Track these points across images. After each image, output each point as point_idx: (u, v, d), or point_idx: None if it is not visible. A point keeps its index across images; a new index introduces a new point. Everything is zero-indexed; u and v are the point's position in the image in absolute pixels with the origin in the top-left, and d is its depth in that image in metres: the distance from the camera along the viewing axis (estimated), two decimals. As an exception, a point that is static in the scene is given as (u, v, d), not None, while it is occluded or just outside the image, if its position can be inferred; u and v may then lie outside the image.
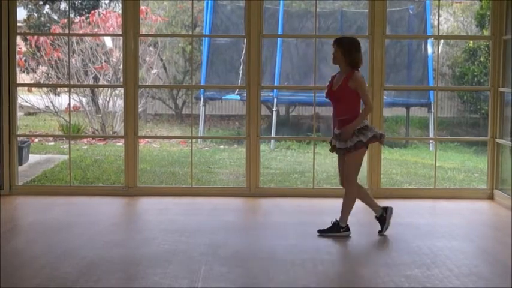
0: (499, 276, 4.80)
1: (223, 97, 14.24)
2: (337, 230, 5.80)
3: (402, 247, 5.45)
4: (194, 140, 12.27)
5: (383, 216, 5.89)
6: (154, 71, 13.87)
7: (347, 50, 5.71)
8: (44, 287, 4.40)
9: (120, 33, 7.56)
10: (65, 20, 13.58)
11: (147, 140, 12.83)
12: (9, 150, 7.38)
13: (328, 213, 6.67)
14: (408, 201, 7.28)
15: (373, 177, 7.43)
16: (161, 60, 14.87)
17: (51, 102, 13.35)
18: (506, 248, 5.40)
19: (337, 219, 5.82)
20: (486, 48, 13.36)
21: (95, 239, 5.65)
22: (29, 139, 11.01)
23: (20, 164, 8.92)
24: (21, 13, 15.23)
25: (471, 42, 14.31)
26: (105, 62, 13.04)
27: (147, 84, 13.22)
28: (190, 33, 14.91)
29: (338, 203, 6.64)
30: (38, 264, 4.88)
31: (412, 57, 14.09)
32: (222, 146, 12.60)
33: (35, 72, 13.93)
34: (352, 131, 5.63)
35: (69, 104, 9.92)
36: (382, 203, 7.19)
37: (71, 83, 11.79)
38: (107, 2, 15.62)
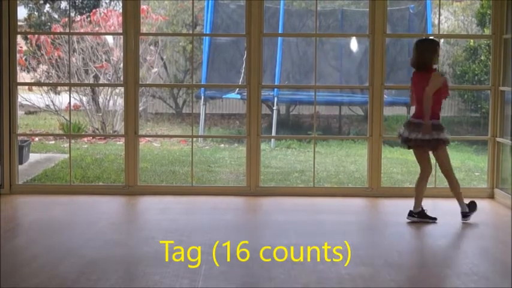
0: (499, 275, 4.79)
1: (223, 96, 14.24)
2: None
3: (403, 246, 5.44)
4: (194, 139, 12.27)
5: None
6: (155, 70, 13.86)
7: None
8: (44, 287, 4.40)
9: (121, 32, 7.56)
10: (66, 19, 13.59)
11: (147, 138, 12.83)
12: (9, 149, 7.37)
13: (329, 212, 6.70)
14: (409, 201, 7.24)
15: (374, 176, 7.42)
16: (162, 59, 14.87)
17: (52, 101, 13.35)
18: (507, 247, 5.40)
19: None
20: (487, 47, 13.35)
21: (95, 238, 5.65)
22: (29, 138, 11.00)
23: (21, 163, 8.91)
24: (22, 12, 15.24)
25: (472, 41, 14.30)
26: (105, 61, 13.04)
27: (147, 83, 13.22)
28: (191, 32, 14.91)
29: (338, 201, 6.67)
30: (38, 263, 4.87)
31: (413, 56, 14.07)
32: (222, 145, 12.60)
33: (36, 71, 13.92)
34: None
35: (69, 102, 9.91)
36: (383, 202, 7.24)
37: (72, 81, 11.79)
38: (107, 1, 15.62)
